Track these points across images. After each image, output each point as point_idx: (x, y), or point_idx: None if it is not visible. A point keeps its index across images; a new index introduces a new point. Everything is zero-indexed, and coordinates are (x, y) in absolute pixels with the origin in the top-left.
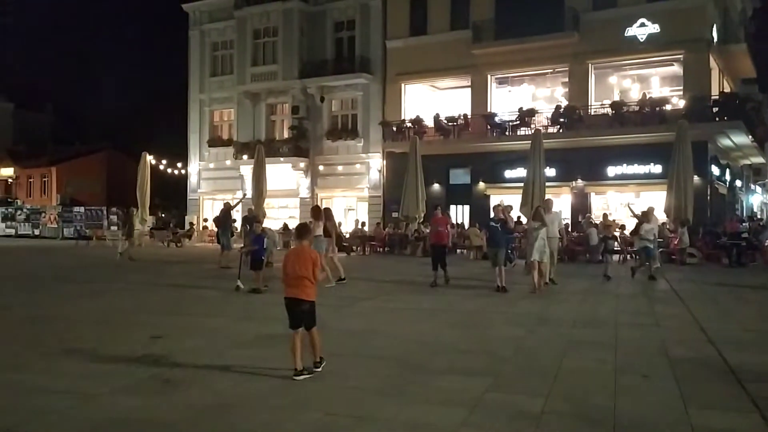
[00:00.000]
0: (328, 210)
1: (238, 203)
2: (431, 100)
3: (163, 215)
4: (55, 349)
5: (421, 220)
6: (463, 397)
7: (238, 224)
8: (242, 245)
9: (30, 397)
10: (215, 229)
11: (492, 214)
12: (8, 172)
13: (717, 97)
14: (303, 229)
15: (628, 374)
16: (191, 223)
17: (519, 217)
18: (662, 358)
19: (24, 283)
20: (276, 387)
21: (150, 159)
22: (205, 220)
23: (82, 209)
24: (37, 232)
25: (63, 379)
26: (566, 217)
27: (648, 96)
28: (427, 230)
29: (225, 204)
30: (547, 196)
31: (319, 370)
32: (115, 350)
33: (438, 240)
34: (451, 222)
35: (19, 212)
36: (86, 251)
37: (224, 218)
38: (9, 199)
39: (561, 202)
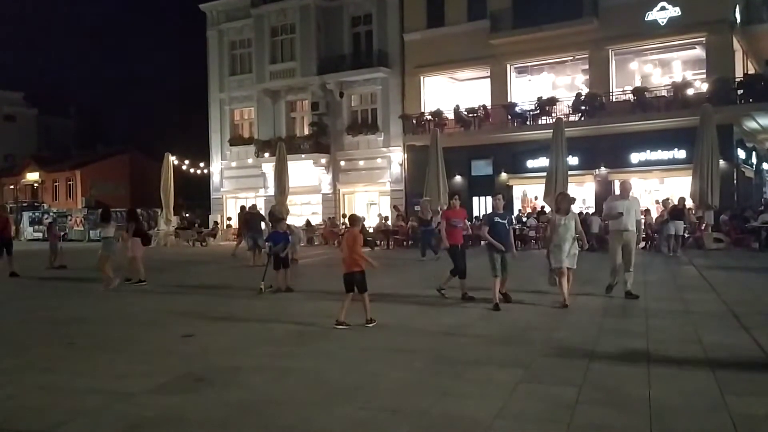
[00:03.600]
0: (133, 211)
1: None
2: (451, 91)
3: (187, 215)
4: (86, 349)
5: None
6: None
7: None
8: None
9: (64, 398)
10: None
11: (491, 207)
12: (34, 176)
13: (741, 79)
14: (353, 219)
15: (661, 362)
16: (215, 222)
17: (543, 207)
18: (695, 345)
19: (53, 285)
20: (308, 383)
21: (173, 159)
22: (229, 218)
23: None
24: (63, 234)
25: (96, 379)
26: (590, 205)
27: (671, 80)
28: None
29: (251, 206)
30: (617, 181)
31: (371, 326)
32: (146, 349)
33: (458, 239)
34: (465, 215)
35: (45, 216)
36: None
37: (254, 220)
38: (36, 203)
39: (585, 191)
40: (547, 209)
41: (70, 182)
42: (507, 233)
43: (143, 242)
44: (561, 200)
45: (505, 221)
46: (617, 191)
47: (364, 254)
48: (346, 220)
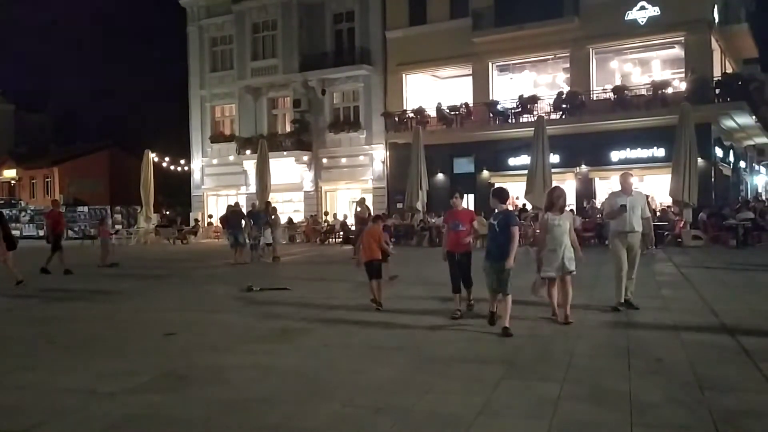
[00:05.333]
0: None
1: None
2: (433, 89)
3: (167, 212)
4: (68, 348)
5: (425, 209)
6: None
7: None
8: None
9: (46, 397)
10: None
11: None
12: (11, 173)
13: (719, 78)
14: (376, 217)
15: (641, 358)
16: (196, 220)
17: (524, 205)
18: (675, 341)
19: (33, 284)
20: (291, 381)
21: (153, 156)
22: (210, 216)
23: (86, 209)
24: (41, 233)
25: (78, 378)
26: (571, 203)
27: (651, 79)
28: (434, 220)
29: (235, 204)
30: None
31: (378, 308)
32: (129, 348)
33: (456, 246)
34: (473, 217)
35: (23, 214)
36: (92, 251)
37: (235, 218)
38: (12, 201)
39: (565, 189)
40: (529, 207)
41: (48, 179)
42: (503, 237)
43: (8, 247)
44: (555, 196)
45: (497, 222)
46: (618, 187)
47: (385, 246)
48: (329, 218)
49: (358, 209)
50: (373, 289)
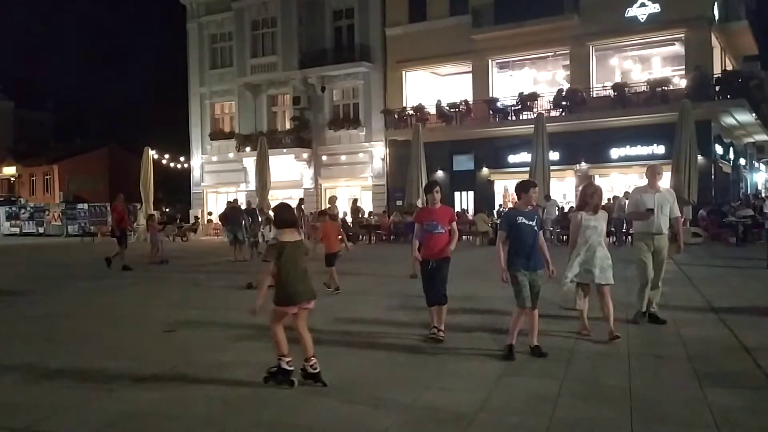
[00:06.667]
0: None
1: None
2: (433, 86)
3: (167, 210)
4: (69, 344)
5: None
6: (481, 381)
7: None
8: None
9: (47, 394)
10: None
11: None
12: (10, 170)
13: (719, 76)
14: (333, 216)
15: (641, 355)
16: (196, 217)
17: None
18: (674, 338)
19: (34, 281)
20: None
21: (152, 154)
22: (210, 213)
23: (85, 206)
24: (41, 230)
25: (78, 374)
26: (571, 200)
27: (651, 76)
28: None
29: (234, 200)
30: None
31: (336, 292)
32: (129, 344)
33: (433, 253)
34: (453, 217)
35: (22, 211)
36: (92, 248)
37: (233, 214)
38: (12, 198)
39: (566, 186)
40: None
41: (48, 176)
42: (536, 240)
43: None
44: (588, 193)
45: (533, 222)
46: (645, 180)
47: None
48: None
49: (329, 207)
50: (333, 274)
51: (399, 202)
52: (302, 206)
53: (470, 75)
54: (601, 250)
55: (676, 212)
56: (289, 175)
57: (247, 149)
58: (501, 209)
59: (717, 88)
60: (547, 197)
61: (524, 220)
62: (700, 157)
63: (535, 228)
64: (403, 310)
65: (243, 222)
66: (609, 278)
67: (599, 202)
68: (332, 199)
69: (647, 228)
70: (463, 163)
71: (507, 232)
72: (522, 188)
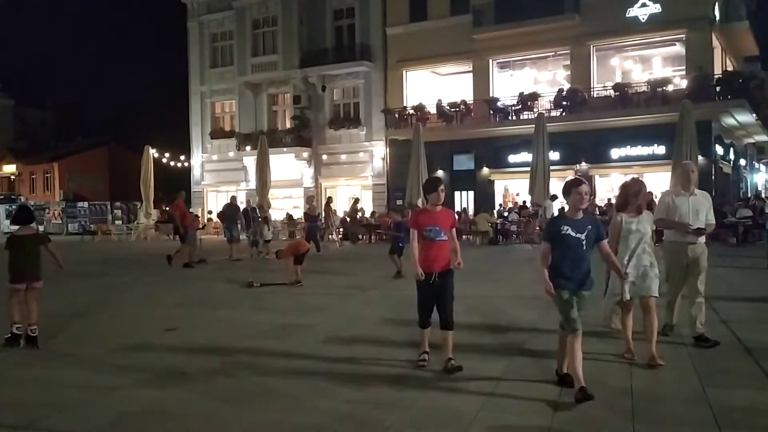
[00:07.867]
0: None
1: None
2: (433, 86)
3: (167, 208)
4: (68, 343)
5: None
6: (482, 381)
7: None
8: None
9: (47, 392)
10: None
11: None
12: (10, 168)
13: (720, 76)
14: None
15: (642, 355)
16: (196, 216)
17: (525, 202)
18: (675, 338)
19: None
20: (292, 377)
21: (153, 152)
22: (210, 212)
23: (86, 204)
24: (41, 228)
25: (78, 373)
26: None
27: (651, 76)
28: None
29: (232, 198)
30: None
31: (298, 285)
32: (129, 343)
33: (434, 263)
34: (455, 222)
35: None
36: (92, 246)
37: (231, 212)
38: (12, 196)
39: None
40: (529, 204)
41: (48, 175)
42: (584, 256)
43: None
44: (632, 193)
45: (582, 235)
46: (675, 181)
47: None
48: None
49: (307, 207)
50: (297, 271)
51: (399, 201)
52: (330, 204)
53: (471, 75)
54: (647, 258)
55: (711, 219)
56: (290, 174)
57: (248, 148)
58: (501, 209)
59: (717, 89)
60: (554, 197)
61: (570, 232)
62: (700, 158)
63: (583, 242)
64: (405, 308)
65: (239, 221)
66: (653, 290)
67: (643, 203)
68: (309, 199)
69: (680, 236)
70: (463, 162)
71: (550, 244)
72: (565, 190)
